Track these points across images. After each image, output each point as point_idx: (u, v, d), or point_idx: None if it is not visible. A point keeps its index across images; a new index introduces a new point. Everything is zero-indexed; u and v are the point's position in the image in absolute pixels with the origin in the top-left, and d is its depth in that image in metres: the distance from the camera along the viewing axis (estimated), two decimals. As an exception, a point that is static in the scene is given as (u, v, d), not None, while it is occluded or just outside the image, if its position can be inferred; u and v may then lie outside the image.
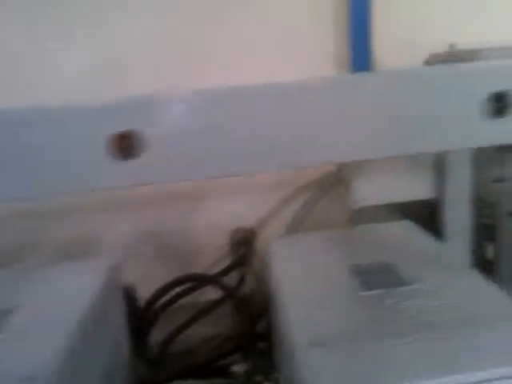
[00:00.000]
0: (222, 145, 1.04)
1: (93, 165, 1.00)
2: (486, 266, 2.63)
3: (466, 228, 1.69)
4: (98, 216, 3.06)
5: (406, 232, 1.81)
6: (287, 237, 2.18)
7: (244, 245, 2.93)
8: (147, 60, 2.88)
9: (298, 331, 1.19)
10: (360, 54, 2.93)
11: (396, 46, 2.94)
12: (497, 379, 0.97)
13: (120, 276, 1.77)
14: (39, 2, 2.81)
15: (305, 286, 1.48)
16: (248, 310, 2.26)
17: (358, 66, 2.93)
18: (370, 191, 1.70)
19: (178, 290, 2.39)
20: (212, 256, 2.92)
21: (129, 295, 2.09)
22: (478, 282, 1.37)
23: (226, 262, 2.71)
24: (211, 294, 2.52)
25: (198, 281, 2.41)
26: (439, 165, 1.69)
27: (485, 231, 2.59)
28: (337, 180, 2.61)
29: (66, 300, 1.48)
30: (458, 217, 1.71)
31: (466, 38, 2.57)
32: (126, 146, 0.99)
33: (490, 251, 2.58)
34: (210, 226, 3.02)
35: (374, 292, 1.36)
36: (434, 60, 2.82)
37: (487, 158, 2.58)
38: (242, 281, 2.57)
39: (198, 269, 2.76)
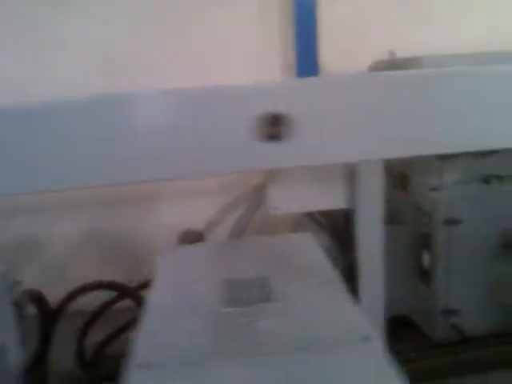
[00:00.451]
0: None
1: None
2: (423, 274, 2.65)
3: (377, 238, 1.68)
4: (46, 216, 3.06)
5: (300, 245, 1.78)
6: (176, 248, 2.13)
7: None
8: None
9: (137, 350, 1.14)
10: (306, 59, 2.95)
11: (342, 53, 2.97)
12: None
13: (11, 280, 1.69)
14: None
15: (170, 301, 1.43)
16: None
17: (303, 70, 2.96)
18: (284, 200, 1.70)
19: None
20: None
21: (38, 298, 2.08)
22: (342, 302, 1.33)
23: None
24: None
25: (115, 290, 2.41)
26: (351, 175, 1.69)
27: (422, 240, 2.61)
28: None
29: None
30: (370, 227, 1.70)
31: (408, 46, 2.59)
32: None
33: (426, 260, 2.60)
34: (159, 227, 3.02)
35: (235, 309, 1.31)
36: (377, 66, 2.84)
37: (426, 167, 2.60)
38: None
39: (146, 269, 2.77)
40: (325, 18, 3.02)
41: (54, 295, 2.20)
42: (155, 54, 2.92)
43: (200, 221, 2.93)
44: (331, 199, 1.72)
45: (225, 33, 3.01)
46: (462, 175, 2.59)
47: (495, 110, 1.05)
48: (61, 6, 2.87)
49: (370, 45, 2.80)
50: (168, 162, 0.98)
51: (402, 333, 2.89)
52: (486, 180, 2.57)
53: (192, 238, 2.93)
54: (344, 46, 3.03)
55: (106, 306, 2.43)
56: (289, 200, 1.72)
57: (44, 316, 2.07)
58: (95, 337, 2.48)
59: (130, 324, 2.43)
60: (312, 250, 1.72)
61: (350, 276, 1.78)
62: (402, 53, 2.59)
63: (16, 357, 1.55)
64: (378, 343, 1.10)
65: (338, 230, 2.13)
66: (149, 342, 1.16)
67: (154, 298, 1.44)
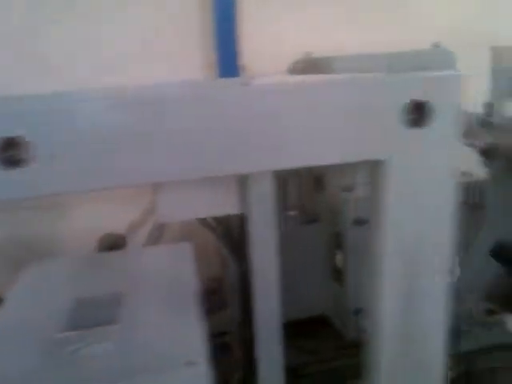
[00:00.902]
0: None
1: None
2: (336, 274, 2.66)
3: (270, 244, 1.65)
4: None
5: (172, 257, 1.71)
6: (41, 262, 2.07)
7: (113, 250, 2.88)
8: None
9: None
10: (227, 60, 2.94)
11: (262, 54, 2.97)
12: None
13: None
14: None
15: (10, 323, 1.33)
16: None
17: (225, 70, 2.94)
18: (172, 207, 1.64)
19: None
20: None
21: None
22: (185, 323, 1.27)
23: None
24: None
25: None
26: (243, 179, 1.66)
27: (335, 240, 2.61)
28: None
29: None
30: (263, 232, 1.68)
31: (322, 48, 2.59)
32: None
33: (339, 260, 2.61)
34: (78, 231, 2.96)
35: (72, 333, 1.23)
36: (295, 67, 2.84)
37: (341, 167, 2.60)
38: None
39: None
40: (247, 18, 3.02)
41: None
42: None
43: (122, 224, 2.89)
44: (222, 205, 1.67)
45: (147, 31, 2.98)
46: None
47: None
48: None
49: (293, 45, 2.79)
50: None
51: (322, 333, 2.91)
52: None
53: (112, 242, 2.88)
54: (267, 46, 3.03)
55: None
56: (178, 207, 1.66)
57: None
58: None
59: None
60: (182, 262, 1.66)
61: (246, 284, 1.75)
62: (325, 52, 2.59)
63: None
64: (202, 368, 1.06)
65: (233, 237, 2.10)
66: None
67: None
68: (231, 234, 2.07)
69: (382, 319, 1.13)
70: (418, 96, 0.98)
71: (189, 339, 1.18)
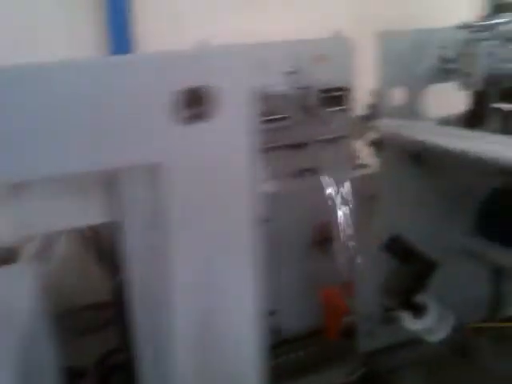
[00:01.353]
0: None
1: None
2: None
3: (143, 252, 1.48)
4: None
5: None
6: None
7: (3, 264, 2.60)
8: None
9: None
10: (120, 45, 2.75)
11: (163, 42, 2.79)
12: None
13: None
14: None
15: None
16: None
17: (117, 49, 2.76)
18: (32, 217, 1.41)
19: None
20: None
21: None
22: None
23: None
24: None
25: None
26: (110, 184, 1.47)
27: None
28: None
29: None
30: (137, 240, 1.49)
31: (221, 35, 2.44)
32: None
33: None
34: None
35: None
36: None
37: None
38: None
39: None
40: (144, 6, 2.83)
41: None
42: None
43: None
44: (85, 214, 1.47)
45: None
46: (275, 170, 2.48)
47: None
48: None
49: (192, 33, 2.62)
50: None
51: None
52: (299, 174, 2.48)
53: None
54: (165, 34, 2.84)
55: None
56: (37, 217, 1.44)
57: None
58: None
59: None
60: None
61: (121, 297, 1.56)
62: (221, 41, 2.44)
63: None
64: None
65: (105, 248, 1.90)
66: None
67: None
68: (101, 245, 1.87)
69: (177, 332, 0.99)
70: (195, 83, 0.82)
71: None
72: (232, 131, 0.89)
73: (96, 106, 0.82)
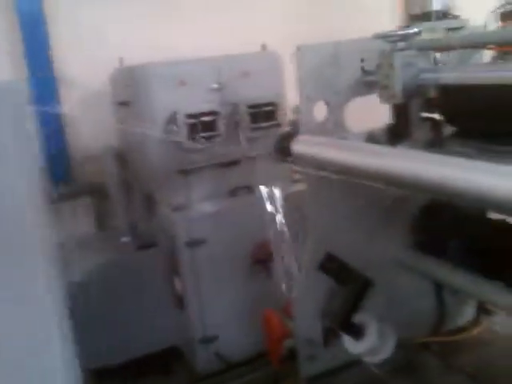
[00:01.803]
0: None
1: None
2: (178, 300, 2.41)
3: None
4: None
5: None
6: None
7: None
8: None
9: None
10: (39, 68, 2.62)
11: (86, 60, 2.68)
12: None
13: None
14: None
15: None
16: None
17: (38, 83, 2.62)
18: None
19: None
20: None
21: None
22: None
23: None
24: None
25: None
26: None
27: (172, 264, 2.37)
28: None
29: None
30: None
31: (137, 55, 2.34)
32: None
33: (178, 285, 2.37)
34: None
35: None
36: (113, 76, 2.58)
37: (171, 184, 2.36)
38: None
39: None
40: (65, 23, 2.70)
41: None
42: None
43: None
44: None
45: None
46: (209, 189, 2.40)
47: None
48: None
49: (113, 50, 2.51)
50: None
51: (176, 366, 2.65)
52: (233, 192, 2.41)
53: None
54: (87, 51, 2.72)
55: None
56: None
57: None
58: None
59: None
60: None
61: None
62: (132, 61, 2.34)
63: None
64: None
65: None
66: None
67: None
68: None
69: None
70: None
71: None
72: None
73: None
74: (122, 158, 2.58)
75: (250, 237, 2.27)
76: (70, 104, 2.78)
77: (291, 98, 2.15)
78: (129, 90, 2.36)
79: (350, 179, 1.28)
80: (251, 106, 2.34)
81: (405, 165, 1.15)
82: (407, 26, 1.50)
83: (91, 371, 2.59)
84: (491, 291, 1.51)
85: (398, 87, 1.43)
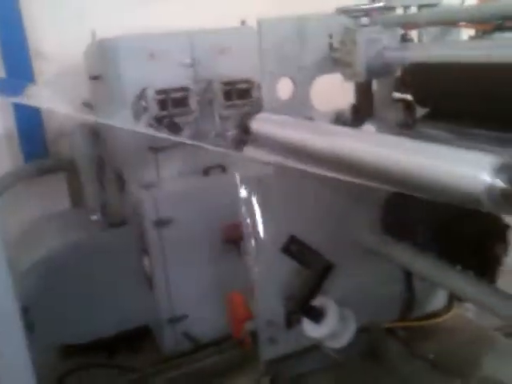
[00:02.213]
0: None
1: None
2: (148, 280, 2.38)
3: None
4: None
5: None
6: None
7: None
8: None
9: None
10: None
11: (64, 34, 2.62)
12: None
13: None
14: None
15: None
16: None
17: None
18: None
19: None
20: None
21: None
22: None
23: None
24: None
25: None
26: None
27: (142, 244, 2.33)
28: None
29: None
30: None
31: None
32: None
33: (147, 265, 2.34)
34: None
35: None
36: (87, 50, 2.51)
37: (141, 161, 2.31)
38: None
39: None
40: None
41: None
42: None
43: None
44: None
45: None
46: (180, 168, 2.35)
47: None
48: None
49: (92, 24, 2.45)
50: None
51: (145, 345, 2.63)
52: (206, 171, 2.36)
53: None
54: (66, 26, 2.66)
55: None
56: None
57: None
58: None
59: None
60: None
61: None
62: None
63: None
64: None
65: None
66: None
67: None
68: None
69: None
70: None
71: None
72: None
73: None
74: (96, 134, 2.53)
75: (221, 217, 2.21)
76: (44, 78, 2.73)
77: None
78: (99, 63, 2.30)
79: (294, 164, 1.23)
80: (226, 84, 2.28)
81: (349, 146, 1.10)
82: (373, 1, 1.43)
83: (62, 348, 2.59)
84: (459, 280, 1.46)
85: (361, 65, 1.38)
